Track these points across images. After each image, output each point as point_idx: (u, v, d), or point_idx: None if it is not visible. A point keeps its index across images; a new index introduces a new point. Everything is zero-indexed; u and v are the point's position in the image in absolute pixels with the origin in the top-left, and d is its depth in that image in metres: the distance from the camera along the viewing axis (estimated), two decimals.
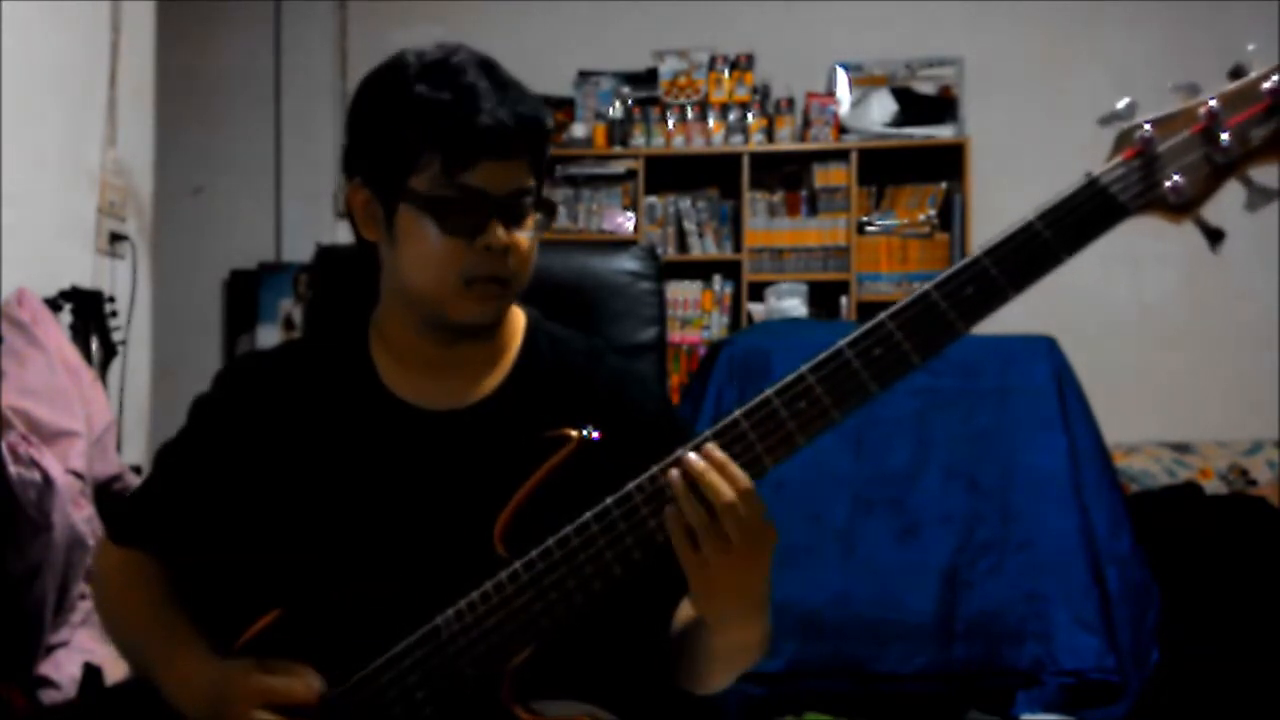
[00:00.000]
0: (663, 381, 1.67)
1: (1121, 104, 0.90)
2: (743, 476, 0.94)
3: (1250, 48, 0.87)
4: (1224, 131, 0.86)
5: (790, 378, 0.94)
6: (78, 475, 2.18)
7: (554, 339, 1.25)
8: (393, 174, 1.12)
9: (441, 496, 1.13)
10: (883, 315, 0.92)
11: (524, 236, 1.13)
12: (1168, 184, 0.87)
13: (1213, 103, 0.87)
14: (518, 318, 1.25)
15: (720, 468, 0.94)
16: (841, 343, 0.93)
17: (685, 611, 1.12)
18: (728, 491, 0.93)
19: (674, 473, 0.95)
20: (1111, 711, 2.56)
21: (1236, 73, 0.87)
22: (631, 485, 0.98)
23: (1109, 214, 0.89)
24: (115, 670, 1.79)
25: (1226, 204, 0.90)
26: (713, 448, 0.95)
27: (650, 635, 1.15)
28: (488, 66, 1.13)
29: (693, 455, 0.95)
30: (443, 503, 1.12)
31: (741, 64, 4.74)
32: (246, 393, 1.23)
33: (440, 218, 1.10)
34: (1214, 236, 0.89)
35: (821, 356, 0.93)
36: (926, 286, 0.91)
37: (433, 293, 1.13)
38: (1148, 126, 0.88)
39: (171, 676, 1.13)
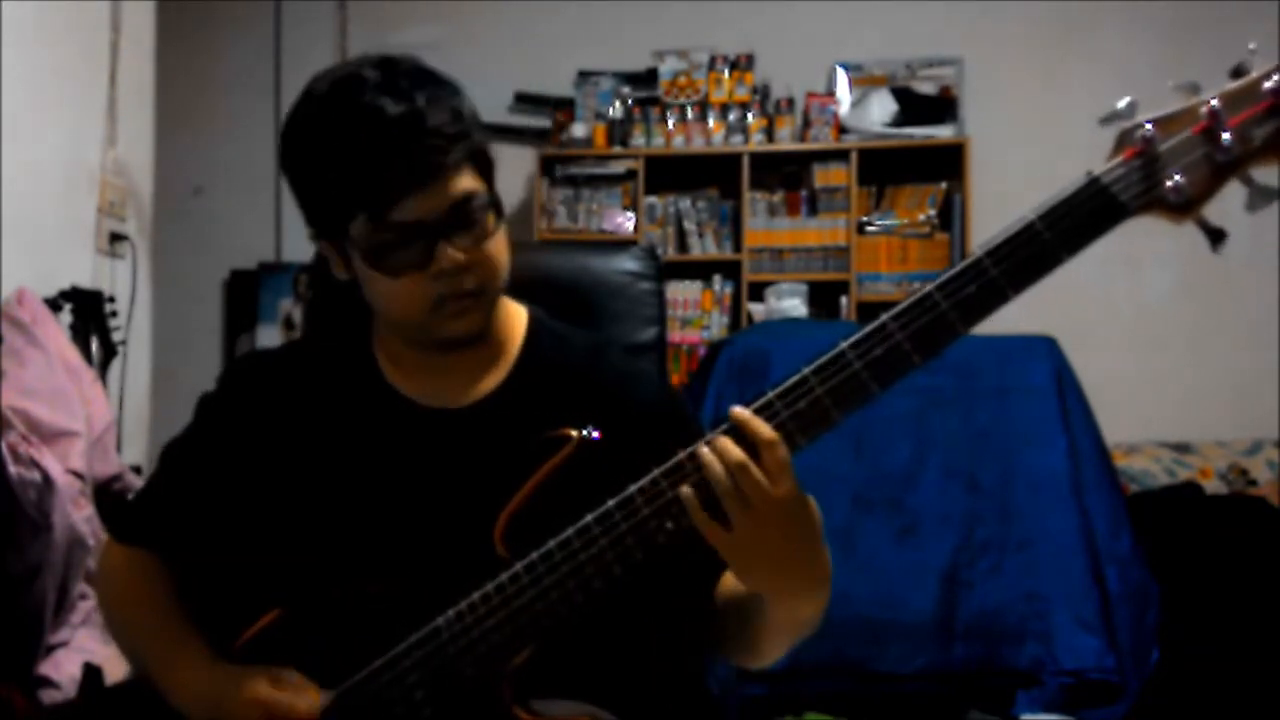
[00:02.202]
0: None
1: (1122, 103, 0.90)
2: (767, 437, 0.92)
3: (1251, 47, 0.87)
4: (1225, 131, 0.86)
5: (792, 379, 0.94)
6: (78, 475, 2.18)
7: (556, 336, 1.24)
8: (331, 226, 1.11)
9: (444, 496, 1.12)
10: (884, 316, 0.92)
11: (482, 243, 1.10)
12: (1169, 183, 0.87)
13: (1214, 102, 0.86)
14: (518, 315, 1.24)
15: (743, 423, 0.93)
16: (844, 344, 0.92)
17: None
18: (736, 451, 0.92)
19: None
20: (1111, 711, 2.56)
21: (1237, 72, 0.87)
22: (633, 488, 0.98)
23: (1110, 214, 0.88)
24: (115, 670, 1.79)
25: (1227, 204, 0.90)
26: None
27: (692, 608, 1.14)
28: (388, 81, 1.06)
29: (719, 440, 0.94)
30: (445, 502, 1.12)
31: (741, 64, 4.74)
32: (252, 391, 1.23)
33: (385, 261, 1.07)
34: (1215, 236, 0.89)
35: (824, 358, 0.93)
36: (928, 287, 0.91)
37: (408, 321, 1.13)
38: (1149, 126, 0.88)
39: (173, 680, 1.13)
